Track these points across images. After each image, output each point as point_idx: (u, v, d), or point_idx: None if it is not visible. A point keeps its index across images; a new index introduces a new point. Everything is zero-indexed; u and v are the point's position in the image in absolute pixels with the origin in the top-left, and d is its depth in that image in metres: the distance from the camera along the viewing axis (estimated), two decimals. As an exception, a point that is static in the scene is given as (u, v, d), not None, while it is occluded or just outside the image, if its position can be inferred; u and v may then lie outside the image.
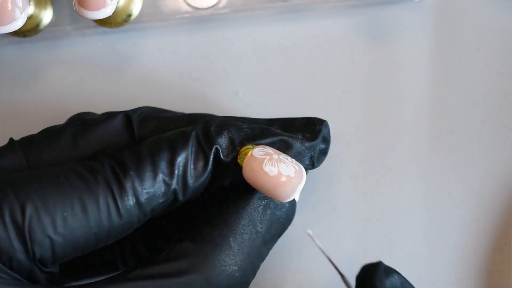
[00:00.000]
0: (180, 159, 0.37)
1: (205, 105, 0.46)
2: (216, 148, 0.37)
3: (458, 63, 0.47)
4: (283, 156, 0.37)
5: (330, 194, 0.46)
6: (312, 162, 0.40)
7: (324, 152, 0.41)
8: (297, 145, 0.39)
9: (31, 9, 0.44)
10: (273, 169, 0.36)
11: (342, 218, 0.46)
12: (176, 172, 0.37)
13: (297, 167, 0.37)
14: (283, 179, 0.36)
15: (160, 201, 0.37)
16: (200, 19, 0.47)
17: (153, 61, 0.47)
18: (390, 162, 0.46)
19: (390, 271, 0.38)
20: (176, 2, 0.46)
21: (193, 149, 0.37)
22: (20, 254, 0.35)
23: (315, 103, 0.46)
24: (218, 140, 0.37)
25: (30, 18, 0.44)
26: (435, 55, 0.47)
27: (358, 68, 0.47)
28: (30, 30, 0.45)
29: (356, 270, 0.39)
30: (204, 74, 0.47)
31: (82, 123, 0.39)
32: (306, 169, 0.40)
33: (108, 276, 0.37)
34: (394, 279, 0.38)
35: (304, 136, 0.39)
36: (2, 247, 0.34)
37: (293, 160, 0.37)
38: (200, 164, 0.37)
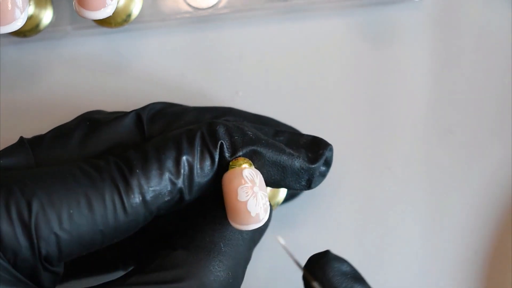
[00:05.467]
0: (186, 158, 0.37)
1: (205, 105, 0.46)
2: (221, 144, 0.37)
3: (458, 63, 0.47)
4: (262, 194, 0.37)
5: (329, 193, 0.46)
6: (308, 184, 0.39)
7: (323, 175, 0.40)
8: (297, 164, 0.39)
9: (31, 9, 0.44)
10: (244, 196, 0.36)
11: (341, 219, 0.46)
12: (182, 171, 0.37)
13: (262, 212, 0.36)
14: (242, 210, 0.36)
15: (166, 199, 0.37)
16: (200, 19, 0.47)
17: (153, 61, 0.47)
18: (389, 161, 0.46)
19: (340, 259, 0.38)
20: (176, 2, 0.46)
21: (199, 148, 0.37)
22: (25, 251, 0.35)
23: (314, 103, 0.46)
24: (222, 137, 0.37)
25: (30, 18, 0.44)
26: (435, 55, 0.47)
27: (358, 68, 0.47)
28: (30, 30, 0.45)
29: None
30: (204, 74, 0.47)
31: (92, 122, 0.39)
32: (302, 190, 0.40)
33: (108, 279, 0.38)
34: (344, 266, 0.38)
35: (306, 156, 0.39)
36: (8, 243, 0.34)
37: (268, 204, 0.37)
38: (206, 164, 0.37)
